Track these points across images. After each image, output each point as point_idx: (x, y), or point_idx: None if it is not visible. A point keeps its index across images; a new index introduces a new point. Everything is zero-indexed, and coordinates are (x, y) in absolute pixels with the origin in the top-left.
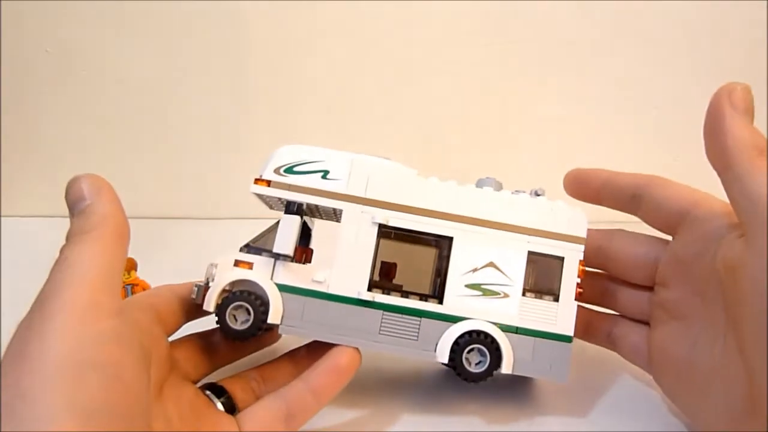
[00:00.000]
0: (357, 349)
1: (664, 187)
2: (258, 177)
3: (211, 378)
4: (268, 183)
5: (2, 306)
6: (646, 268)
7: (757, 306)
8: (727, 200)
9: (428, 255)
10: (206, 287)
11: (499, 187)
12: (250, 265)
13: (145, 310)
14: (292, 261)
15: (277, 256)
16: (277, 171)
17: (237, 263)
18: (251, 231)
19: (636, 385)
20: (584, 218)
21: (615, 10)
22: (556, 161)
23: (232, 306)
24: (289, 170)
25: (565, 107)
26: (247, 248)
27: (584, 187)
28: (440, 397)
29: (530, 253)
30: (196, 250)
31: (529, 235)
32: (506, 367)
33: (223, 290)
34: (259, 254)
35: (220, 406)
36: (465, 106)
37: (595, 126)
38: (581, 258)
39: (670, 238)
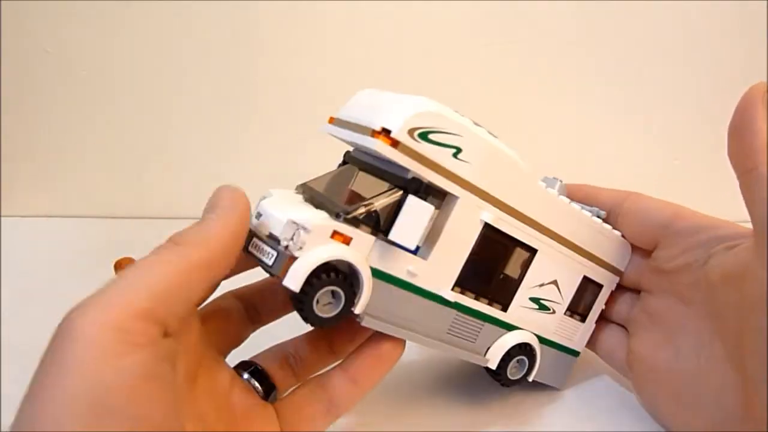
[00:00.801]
0: (400, 339)
1: (642, 202)
2: (380, 129)
3: (246, 353)
4: (396, 144)
5: (2, 306)
6: (632, 274)
7: (762, 314)
8: (707, 215)
9: (506, 259)
10: (291, 257)
11: (563, 191)
12: (348, 240)
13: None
14: (414, 254)
15: (390, 242)
16: (411, 132)
17: (335, 234)
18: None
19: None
20: (629, 252)
21: (615, 10)
22: (556, 161)
23: (322, 291)
24: (424, 136)
25: (565, 107)
26: (345, 216)
27: None
28: (436, 397)
29: (585, 277)
30: None
31: (591, 260)
32: (533, 375)
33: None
34: (358, 227)
35: (259, 392)
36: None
37: (595, 126)
38: (613, 288)
39: None
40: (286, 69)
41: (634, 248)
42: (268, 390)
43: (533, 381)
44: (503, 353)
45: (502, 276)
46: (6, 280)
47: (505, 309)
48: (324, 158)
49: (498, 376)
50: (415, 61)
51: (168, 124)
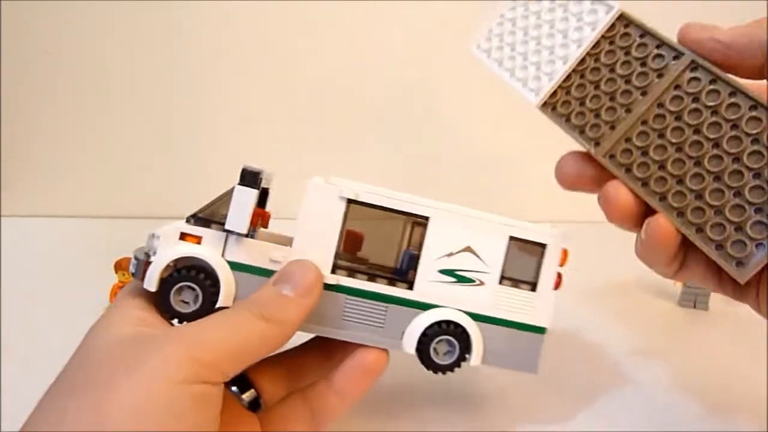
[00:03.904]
0: (385, 349)
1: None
2: None
3: None
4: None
5: (2, 306)
6: None
7: None
8: None
9: (398, 232)
10: (146, 262)
11: None
12: (198, 239)
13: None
14: (247, 237)
15: (230, 231)
16: None
17: (183, 236)
18: None
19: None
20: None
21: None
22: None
23: (177, 286)
24: None
25: None
26: (195, 219)
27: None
28: (412, 395)
29: (512, 238)
30: None
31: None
32: (475, 359)
33: (167, 267)
34: (209, 227)
35: (244, 402)
36: (465, 106)
37: None
38: (565, 246)
39: None
40: (287, 69)
41: None
42: (254, 402)
43: (500, 369)
44: (419, 334)
45: (402, 253)
46: (6, 280)
47: (411, 287)
48: (326, 158)
49: (422, 361)
50: (417, 62)
51: (168, 124)
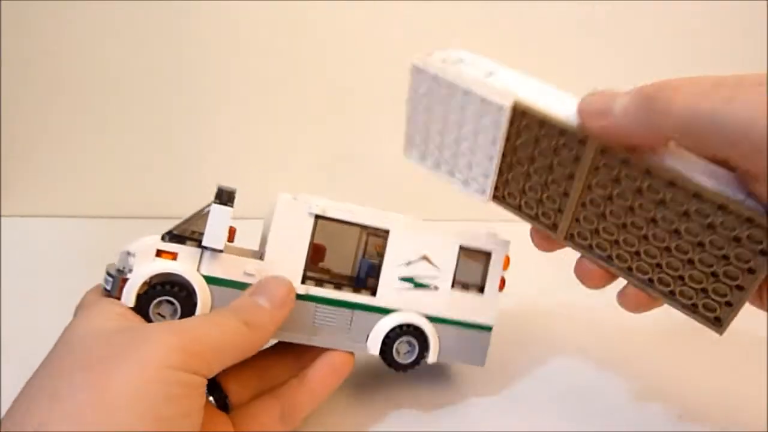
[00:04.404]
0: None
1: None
2: None
3: None
4: None
5: (2, 306)
6: None
7: None
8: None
9: (354, 242)
10: (123, 278)
11: None
12: (174, 256)
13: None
14: (221, 252)
15: (205, 247)
16: None
17: (159, 253)
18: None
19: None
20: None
21: (615, 10)
22: None
23: (155, 301)
24: None
25: None
26: (170, 236)
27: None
28: (367, 387)
29: (461, 247)
30: None
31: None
32: (432, 357)
33: (144, 283)
34: (184, 243)
35: (212, 403)
36: None
37: None
38: (507, 253)
39: None
40: (287, 70)
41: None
42: (222, 404)
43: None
44: (382, 337)
45: (359, 262)
46: (6, 280)
47: (374, 293)
48: (326, 158)
49: (386, 361)
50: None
51: (168, 124)
